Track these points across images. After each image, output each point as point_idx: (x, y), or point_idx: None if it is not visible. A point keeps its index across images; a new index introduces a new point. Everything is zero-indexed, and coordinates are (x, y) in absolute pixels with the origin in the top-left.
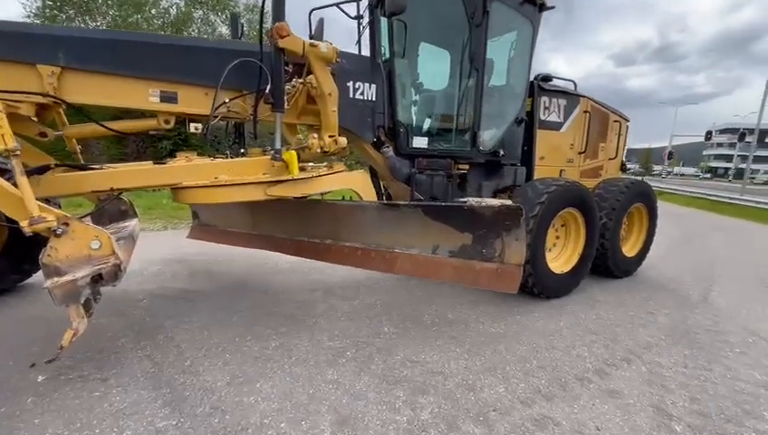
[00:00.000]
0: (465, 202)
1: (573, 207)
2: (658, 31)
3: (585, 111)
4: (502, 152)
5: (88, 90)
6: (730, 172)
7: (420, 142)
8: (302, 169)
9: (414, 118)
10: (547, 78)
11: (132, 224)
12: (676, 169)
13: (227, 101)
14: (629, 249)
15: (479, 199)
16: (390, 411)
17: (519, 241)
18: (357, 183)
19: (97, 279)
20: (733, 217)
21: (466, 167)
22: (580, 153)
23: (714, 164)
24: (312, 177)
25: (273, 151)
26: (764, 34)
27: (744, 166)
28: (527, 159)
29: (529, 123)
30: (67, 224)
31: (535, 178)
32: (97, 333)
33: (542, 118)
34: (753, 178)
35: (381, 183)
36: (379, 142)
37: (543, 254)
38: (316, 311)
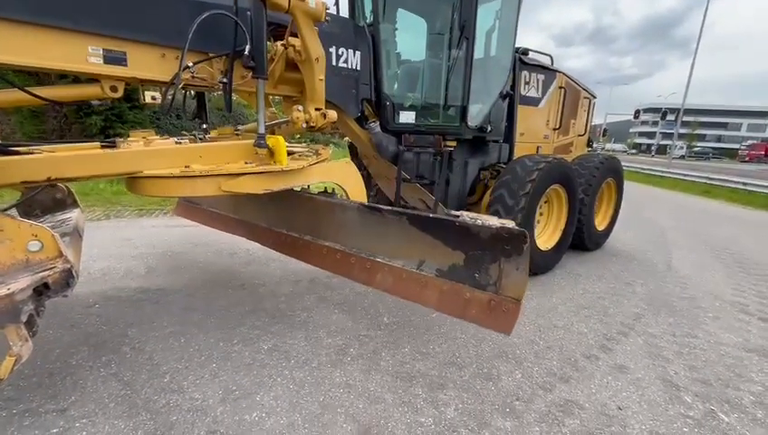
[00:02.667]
0: (458, 217)
1: (559, 184)
2: (594, 13)
3: (561, 87)
4: (489, 128)
5: (1, 45)
6: (653, 148)
7: (407, 117)
8: (289, 156)
9: (401, 91)
10: (525, 52)
11: (74, 215)
12: (608, 146)
13: (191, 64)
14: (599, 223)
15: (474, 215)
16: (413, 413)
17: (520, 271)
18: (344, 177)
19: (41, 290)
20: (666, 188)
21: (453, 144)
22: (554, 129)
23: (638, 141)
24: (302, 168)
25: (256, 136)
26: (684, 20)
27: (665, 142)
28: (508, 135)
29: (510, 98)
30: None
31: (515, 155)
32: (42, 351)
33: (523, 93)
34: (671, 153)
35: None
36: (362, 117)
37: (533, 232)
38: (305, 304)
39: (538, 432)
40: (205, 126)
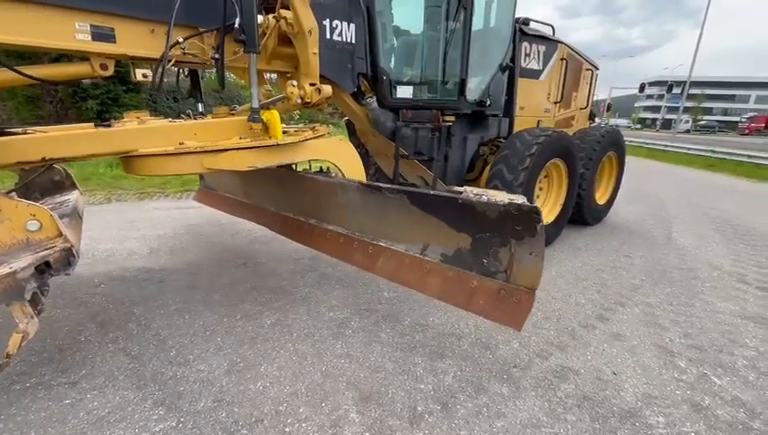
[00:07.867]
0: (461, 193)
1: (559, 158)
2: None
3: (562, 59)
4: (488, 102)
5: None
6: (657, 122)
7: (405, 92)
8: (284, 132)
9: (398, 65)
10: (526, 22)
11: (73, 197)
12: (612, 121)
13: (181, 40)
14: (600, 197)
15: (479, 191)
16: (413, 380)
17: (534, 256)
18: (338, 154)
19: (43, 269)
20: (668, 162)
21: (452, 119)
22: (555, 103)
23: (644, 115)
24: (296, 142)
25: (250, 111)
26: None
27: (670, 117)
28: (507, 109)
29: (510, 71)
30: None
31: (515, 130)
32: (51, 329)
33: (523, 65)
34: (676, 127)
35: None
36: (358, 93)
37: None
38: (307, 281)
39: (534, 397)
40: (200, 104)
